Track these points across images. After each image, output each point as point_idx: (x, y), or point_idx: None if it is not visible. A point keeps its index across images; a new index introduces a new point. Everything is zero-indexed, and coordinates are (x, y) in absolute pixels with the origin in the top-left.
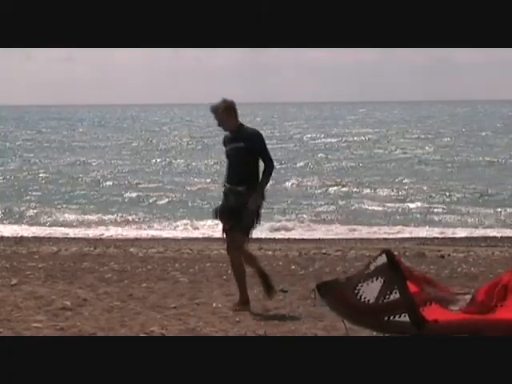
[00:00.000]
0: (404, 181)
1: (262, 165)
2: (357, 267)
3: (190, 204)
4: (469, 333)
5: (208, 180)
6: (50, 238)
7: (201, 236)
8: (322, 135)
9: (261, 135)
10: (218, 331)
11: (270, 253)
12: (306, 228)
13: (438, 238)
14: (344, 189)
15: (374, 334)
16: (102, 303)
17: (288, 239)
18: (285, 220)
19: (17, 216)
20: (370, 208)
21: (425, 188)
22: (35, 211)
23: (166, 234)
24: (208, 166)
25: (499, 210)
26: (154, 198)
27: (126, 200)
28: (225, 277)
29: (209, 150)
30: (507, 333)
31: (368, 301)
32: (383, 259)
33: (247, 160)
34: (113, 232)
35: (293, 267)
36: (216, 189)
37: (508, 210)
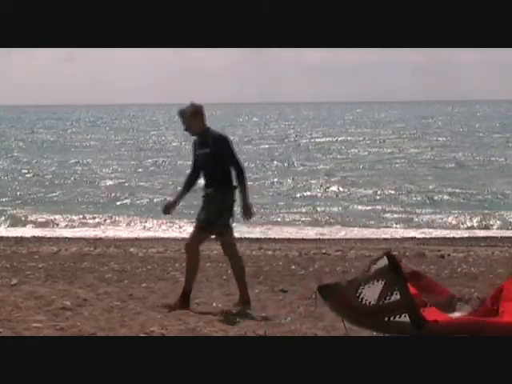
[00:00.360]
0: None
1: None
2: (357, 267)
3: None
4: (469, 333)
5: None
6: (50, 238)
7: None
8: (315, 135)
9: (226, 140)
10: (218, 331)
11: (270, 253)
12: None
13: (437, 238)
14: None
15: (374, 334)
16: (102, 303)
17: (288, 239)
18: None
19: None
20: (350, 209)
21: (411, 187)
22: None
23: (166, 234)
24: None
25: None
26: (151, 198)
27: (126, 200)
28: (225, 277)
29: None
30: (507, 334)
31: (369, 303)
32: (384, 261)
33: (215, 165)
34: (113, 232)
35: (293, 267)
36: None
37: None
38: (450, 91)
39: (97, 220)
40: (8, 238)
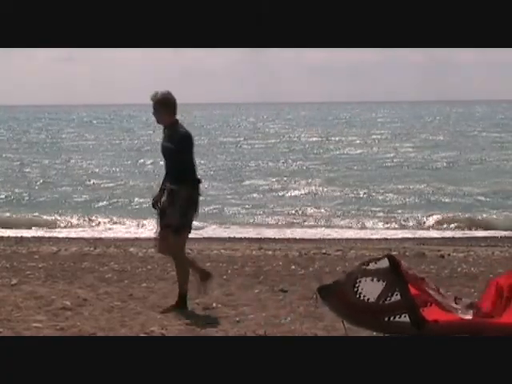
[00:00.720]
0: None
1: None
2: None
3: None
4: (469, 333)
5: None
6: (50, 237)
7: (200, 236)
8: (306, 134)
9: (189, 138)
10: (218, 331)
11: (270, 253)
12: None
13: (437, 238)
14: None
15: (374, 334)
16: (102, 303)
17: (288, 239)
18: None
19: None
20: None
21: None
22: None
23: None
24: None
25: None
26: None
27: (126, 200)
28: (225, 277)
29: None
30: (507, 334)
31: (368, 300)
32: (385, 263)
33: (180, 161)
34: (113, 232)
35: (293, 267)
36: (210, 189)
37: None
38: (449, 91)
39: (97, 220)
40: (8, 238)
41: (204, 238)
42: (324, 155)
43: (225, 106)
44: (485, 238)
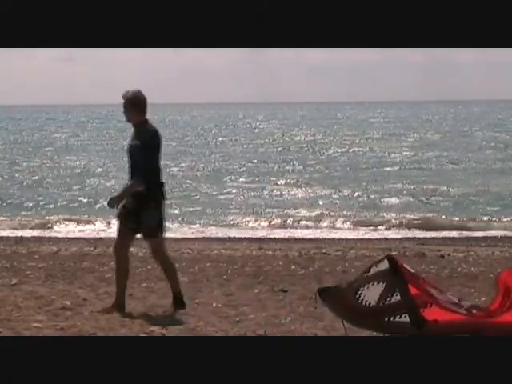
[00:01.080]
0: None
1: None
2: (357, 267)
3: (186, 204)
4: (469, 333)
5: (195, 183)
6: (50, 237)
7: (201, 236)
8: (302, 135)
9: (157, 137)
10: (218, 331)
11: (270, 253)
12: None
13: (437, 238)
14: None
15: (374, 334)
16: (102, 303)
17: (288, 239)
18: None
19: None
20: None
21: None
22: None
23: (165, 234)
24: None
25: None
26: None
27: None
28: (225, 277)
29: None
30: (507, 334)
31: (369, 304)
32: (385, 264)
33: (142, 159)
34: (113, 232)
35: (293, 267)
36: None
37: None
38: (449, 91)
39: (97, 220)
40: (8, 238)
41: (204, 238)
42: (317, 155)
43: (225, 106)
44: (485, 238)
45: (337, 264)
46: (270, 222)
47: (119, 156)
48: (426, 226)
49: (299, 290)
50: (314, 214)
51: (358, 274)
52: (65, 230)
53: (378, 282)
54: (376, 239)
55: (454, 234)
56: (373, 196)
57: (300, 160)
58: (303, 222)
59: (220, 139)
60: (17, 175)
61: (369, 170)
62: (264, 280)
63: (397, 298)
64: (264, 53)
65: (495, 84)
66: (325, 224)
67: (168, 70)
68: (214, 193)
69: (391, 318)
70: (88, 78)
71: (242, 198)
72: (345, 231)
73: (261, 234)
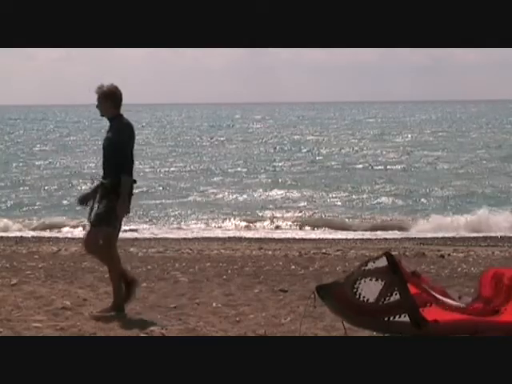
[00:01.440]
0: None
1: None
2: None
3: (186, 204)
4: (469, 333)
5: (189, 184)
6: (49, 237)
7: (201, 236)
8: (297, 135)
9: (130, 130)
10: (218, 331)
11: (270, 253)
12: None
13: (437, 238)
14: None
15: (374, 334)
16: (102, 303)
17: (288, 239)
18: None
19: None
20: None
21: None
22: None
23: (166, 234)
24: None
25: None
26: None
27: None
28: (225, 277)
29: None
30: (507, 334)
31: (367, 300)
32: (383, 262)
33: (115, 153)
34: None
35: (293, 267)
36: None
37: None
38: (449, 91)
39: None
40: (8, 238)
41: (204, 238)
42: (309, 155)
43: (224, 106)
44: (485, 238)
45: (337, 264)
46: (258, 223)
47: None
48: (423, 226)
49: (299, 290)
50: (300, 214)
51: (354, 268)
52: (65, 230)
53: (377, 279)
54: (376, 239)
55: (453, 234)
56: (365, 196)
57: (289, 160)
58: (289, 223)
59: (215, 139)
60: (16, 175)
61: (361, 170)
62: (264, 280)
63: (396, 297)
64: (264, 53)
65: (495, 84)
66: (319, 224)
67: (168, 70)
68: (203, 192)
69: (391, 318)
70: (88, 78)
71: (231, 198)
72: (344, 232)
73: (249, 234)
